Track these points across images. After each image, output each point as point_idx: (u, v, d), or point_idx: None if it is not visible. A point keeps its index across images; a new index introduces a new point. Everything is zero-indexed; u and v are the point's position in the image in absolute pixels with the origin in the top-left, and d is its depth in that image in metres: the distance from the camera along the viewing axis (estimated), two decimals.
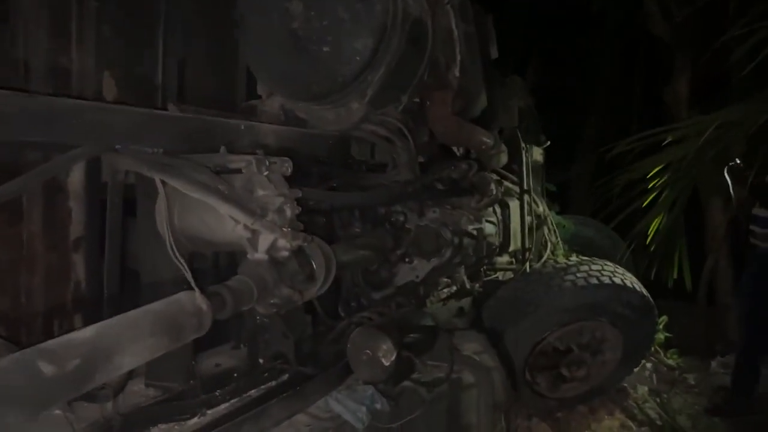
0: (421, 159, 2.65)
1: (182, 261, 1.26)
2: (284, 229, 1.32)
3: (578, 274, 3.15)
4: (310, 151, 1.99)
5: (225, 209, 1.25)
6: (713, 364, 3.86)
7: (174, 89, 2.10)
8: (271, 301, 1.61)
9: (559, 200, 6.30)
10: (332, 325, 2.17)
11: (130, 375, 1.51)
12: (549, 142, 4.55)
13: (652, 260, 3.66)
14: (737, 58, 3.85)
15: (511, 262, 4.05)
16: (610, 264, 3.31)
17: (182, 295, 1.31)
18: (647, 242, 3.46)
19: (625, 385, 3.61)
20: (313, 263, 1.73)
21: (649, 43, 5.33)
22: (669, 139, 2.80)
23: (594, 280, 3.11)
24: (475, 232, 2.75)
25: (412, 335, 2.16)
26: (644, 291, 3.24)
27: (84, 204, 1.73)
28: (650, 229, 3.37)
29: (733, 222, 4.38)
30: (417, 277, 2.60)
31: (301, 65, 2.03)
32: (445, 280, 3.17)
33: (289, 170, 1.40)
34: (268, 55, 2.09)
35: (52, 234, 1.71)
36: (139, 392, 1.69)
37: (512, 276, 3.89)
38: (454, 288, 3.24)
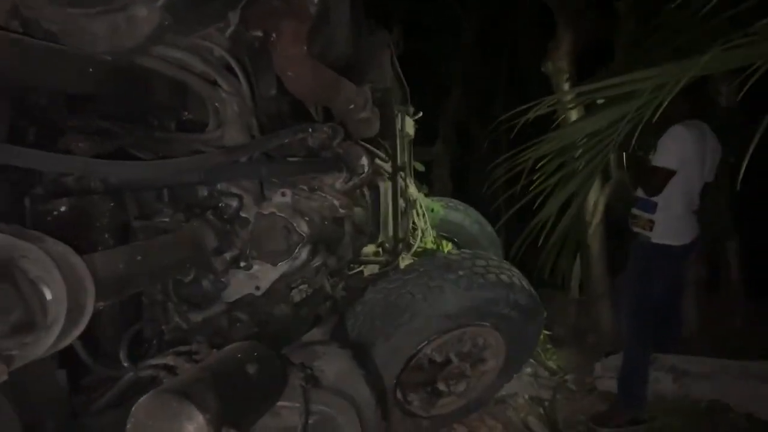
0: (262, 118, 1.83)
1: None
2: None
3: (461, 272, 2.58)
4: (62, 86, 1.10)
5: None
6: (597, 366, 3.53)
7: None
8: None
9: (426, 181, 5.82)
10: (107, 381, 1.31)
11: None
12: (421, 113, 3.97)
13: (549, 255, 3.18)
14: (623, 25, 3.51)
15: (378, 253, 3.43)
16: (495, 258, 2.79)
17: None
18: (542, 234, 2.95)
19: (505, 394, 3.15)
20: (45, 293, 0.93)
21: (514, 12, 4.98)
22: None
23: (480, 280, 2.55)
24: (342, 223, 2.02)
25: (242, 389, 1.39)
26: (532, 290, 2.77)
27: None
28: (547, 220, 2.86)
29: (609, 206, 4.14)
30: (257, 288, 1.80)
31: None
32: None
33: None
34: None
35: None
36: None
37: (379, 270, 3.28)
38: (309, 290, 2.50)
